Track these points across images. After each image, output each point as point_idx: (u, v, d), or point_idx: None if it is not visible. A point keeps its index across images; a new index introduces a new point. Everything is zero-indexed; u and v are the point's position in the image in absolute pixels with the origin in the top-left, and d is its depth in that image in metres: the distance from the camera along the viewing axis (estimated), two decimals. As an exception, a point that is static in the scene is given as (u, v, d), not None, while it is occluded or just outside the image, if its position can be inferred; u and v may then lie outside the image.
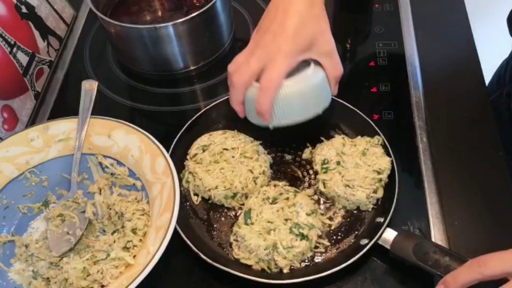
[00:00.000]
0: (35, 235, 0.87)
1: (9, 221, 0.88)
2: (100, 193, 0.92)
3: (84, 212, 0.88)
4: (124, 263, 0.79)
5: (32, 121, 1.07)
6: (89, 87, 0.97)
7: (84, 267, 0.78)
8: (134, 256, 0.79)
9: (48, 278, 0.81)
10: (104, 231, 0.87)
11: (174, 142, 0.93)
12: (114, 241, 0.82)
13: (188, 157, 0.93)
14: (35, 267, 0.83)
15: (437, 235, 0.84)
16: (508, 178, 0.90)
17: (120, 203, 0.87)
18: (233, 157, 0.91)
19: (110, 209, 0.88)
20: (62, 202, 0.90)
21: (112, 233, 0.85)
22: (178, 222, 0.82)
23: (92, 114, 0.93)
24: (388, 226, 0.81)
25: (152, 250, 0.75)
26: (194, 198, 0.91)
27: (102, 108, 0.96)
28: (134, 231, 0.82)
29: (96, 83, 0.97)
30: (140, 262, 0.77)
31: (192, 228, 0.87)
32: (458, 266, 0.73)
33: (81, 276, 0.78)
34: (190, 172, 0.91)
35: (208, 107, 0.99)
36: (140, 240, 0.82)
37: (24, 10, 1.08)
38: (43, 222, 0.89)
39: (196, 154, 0.92)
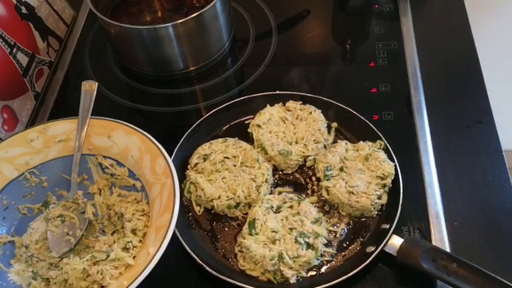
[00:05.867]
0: (35, 236, 0.87)
1: (9, 221, 0.88)
2: (100, 194, 0.92)
3: (84, 212, 0.88)
4: (124, 264, 0.79)
5: (32, 122, 1.07)
6: (89, 88, 0.97)
7: (84, 268, 0.78)
8: (134, 257, 0.79)
9: (48, 278, 0.81)
10: (104, 231, 0.87)
11: (174, 152, 0.92)
12: (114, 242, 0.82)
13: (189, 166, 0.93)
14: (35, 268, 0.83)
15: (437, 235, 0.84)
16: (508, 178, 0.90)
17: (120, 203, 0.87)
18: (234, 165, 0.90)
19: (110, 209, 0.88)
20: (62, 202, 0.90)
21: (112, 234, 0.85)
22: (181, 233, 0.83)
23: (92, 114, 0.93)
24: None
25: (152, 251, 0.75)
26: (197, 208, 0.90)
27: (102, 109, 0.96)
28: (134, 231, 0.82)
29: (96, 83, 0.97)
30: (140, 262, 0.77)
31: (195, 239, 0.86)
32: (465, 272, 0.73)
33: (81, 277, 0.78)
34: (191, 183, 0.90)
35: (207, 114, 0.98)
36: (140, 240, 0.82)
37: (24, 10, 1.08)
38: (43, 222, 0.89)
39: (197, 164, 0.92)
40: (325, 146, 0.95)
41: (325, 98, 0.99)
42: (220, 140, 0.95)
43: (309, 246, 0.80)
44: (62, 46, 1.21)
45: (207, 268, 0.79)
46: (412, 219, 0.86)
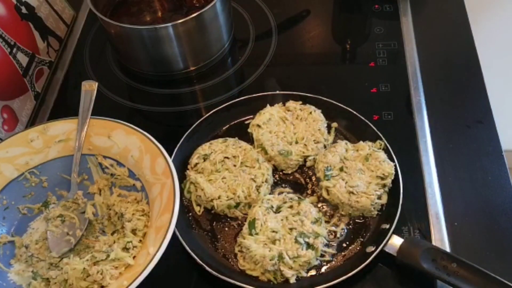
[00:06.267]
0: (35, 236, 0.87)
1: (9, 221, 0.88)
2: (100, 194, 0.92)
3: (84, 212, 0.88)
4: (124, 264, 0.79)
5: (32, 122, 1.07)
6: (89, 88, 0.97)
7: (84, 268, 0.78)
8: (134, 257, 0.79)
9: (48, 278, 0.81)
10: (104, 231, 0.87)
11: (174, 152, 0.92)
12: (114, 242, 0.82)
13: (189, 166, 0.93)
14: (35, 268, 0.83)
15: (437, 235, 0.84)
16: (508, 178, 0.90)
17: (120, 203, 0.87)
18: (234, 165, 0.90)
19: (110, 209, 0.88)
20: (62, 202, 0.90)
21: (112, 234, 0.85)
22: (181, 233, 0.83)
23: (92, 114, 0.93)
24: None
25: (152, 251, 0.75)
26: (197, 208, 0.90)
27: (102, 109, 0.96)
28: (134, 231, 0.82)
29: (96, 83, 0.97)
30: (140, 262, 0.77)
31: (195, 239, 0.86)
32: (465, 272, 0.73)
33: (81, 277, 0.78)
34: (191, 183, 0.90)
35: (207, 114, 0.98)
36: (140, 240, 0.82)
37: (24, 10, 1.08)
38: (43, 222, 0.89)
39: (197, 164, 0.92)
40: (325, 146, 0.95)
41: (325, 98, 0.99)
42: (220, 140, 0.95)
43: (309, 246, 0.80)
44: (62, 46, 1.21)
45: (207, 268, 0.79)
46: (412, 219, 0.86)
